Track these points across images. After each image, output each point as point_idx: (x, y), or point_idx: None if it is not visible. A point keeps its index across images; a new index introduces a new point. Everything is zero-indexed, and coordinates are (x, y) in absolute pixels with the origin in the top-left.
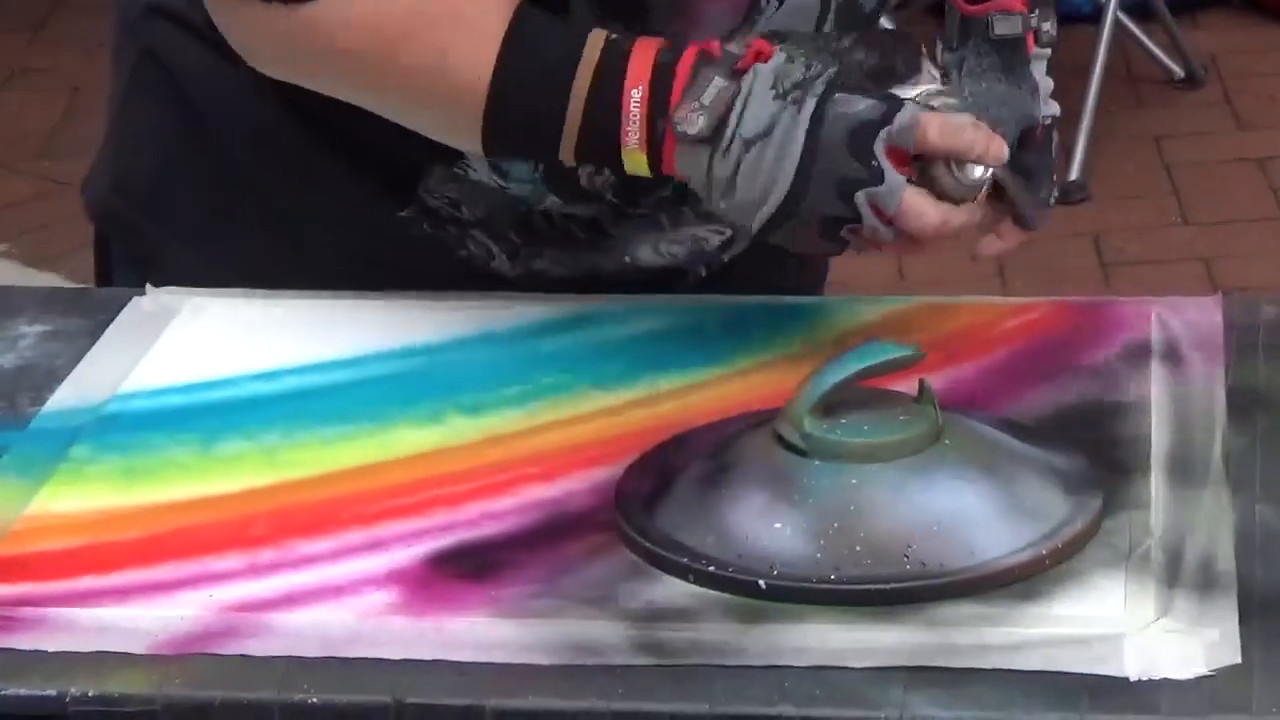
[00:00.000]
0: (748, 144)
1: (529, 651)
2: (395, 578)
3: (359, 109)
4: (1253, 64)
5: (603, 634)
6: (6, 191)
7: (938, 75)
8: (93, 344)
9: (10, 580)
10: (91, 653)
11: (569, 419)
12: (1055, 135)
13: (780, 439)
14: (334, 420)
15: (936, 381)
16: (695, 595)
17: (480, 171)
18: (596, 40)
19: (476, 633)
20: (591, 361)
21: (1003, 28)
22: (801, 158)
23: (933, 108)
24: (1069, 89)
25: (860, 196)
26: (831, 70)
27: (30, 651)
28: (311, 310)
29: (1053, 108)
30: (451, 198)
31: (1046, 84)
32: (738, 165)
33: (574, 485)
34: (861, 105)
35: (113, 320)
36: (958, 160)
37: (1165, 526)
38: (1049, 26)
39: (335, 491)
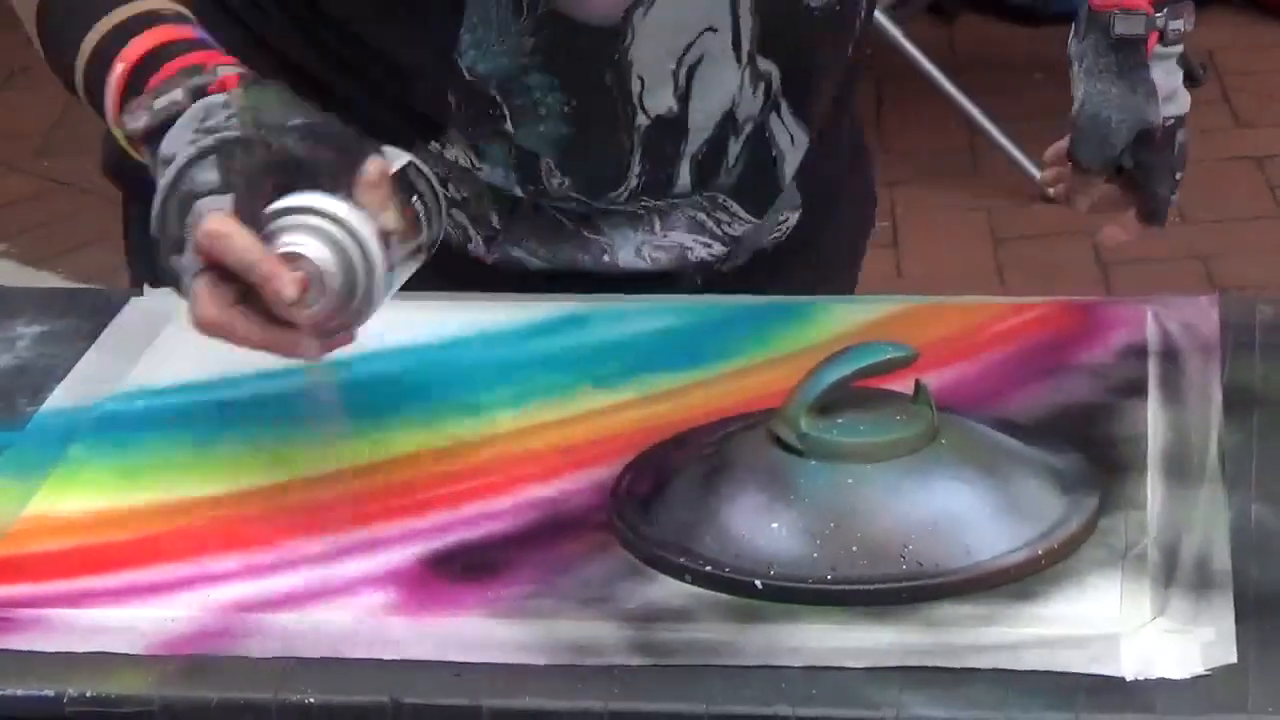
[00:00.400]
0: (163, 163)
1: (526, 651)
2: (392, 578)
3: (350, 82)
4: (1251, 62)
5: (600, 634)
6: (5, 190)
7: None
8: (90, 344)
9: (8, 581)
10: (89, 653)
11: (566, 419)
12: (1183, 133)
13: (777, 439)
14: (331, 421)
15: (933, 381)
16: (692, 595)
17: (457, 154)
18: (136, 7)
19: (474, 633)
20: (588, 361)
21: (1123, 27)
22: (160, 197)
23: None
24: (1069, 88)
25: (171, 260)
26: (235, 132)
27: (27, 652)
28: None
29: (1179, 105)
30: (440, 174)
31: (1172, 82)
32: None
33: (571, 485)
34: (206, 177)
35: (110, 321)
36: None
37: (1161, 526)
38: (1179, 24)
39: (332, 492)
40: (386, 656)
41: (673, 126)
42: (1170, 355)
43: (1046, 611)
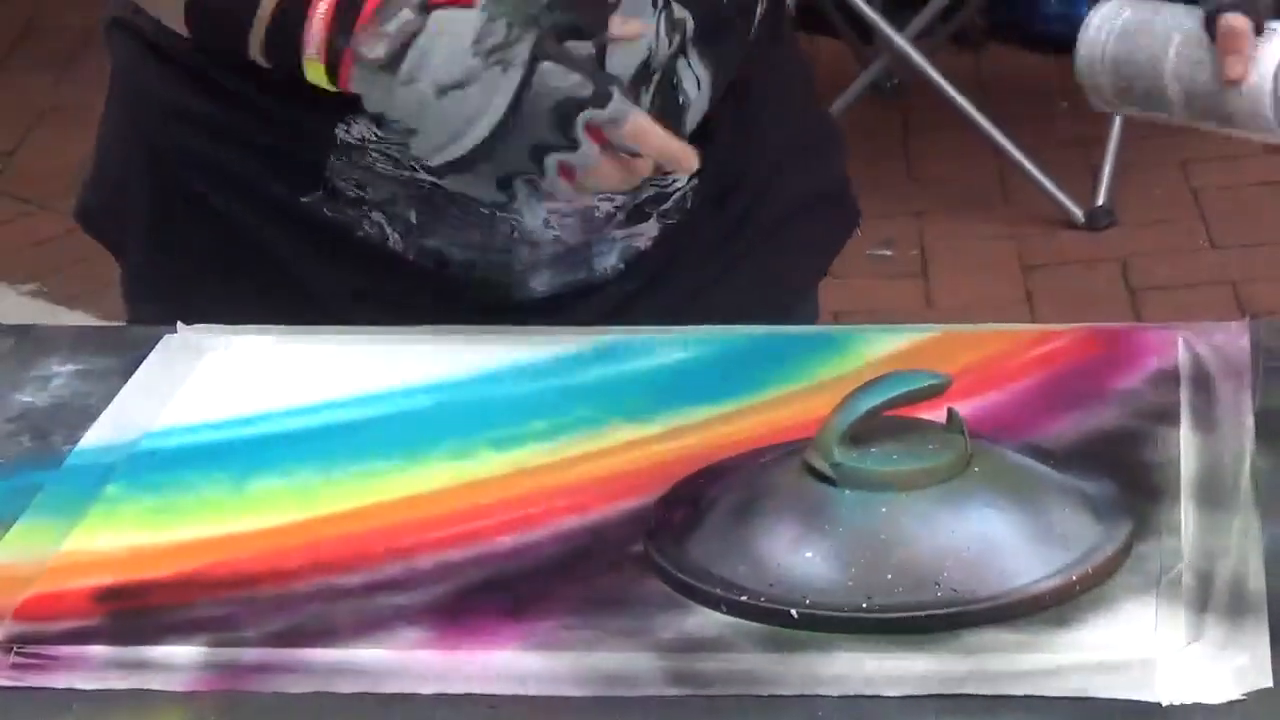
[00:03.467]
0: (441, 89)
1: (562, 683)
2: (428, 611)
3: (271, 94)
4: None
5: (636, 665)
6: (37, 229)
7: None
8: (125, 382)
9: (46, 618)
10: (127, 690)
11: (599, 451)
12: None
13: (810, 469)
14: (366, 456)
15: (965, 409)
16: (728, 625)
17: (363, 129)
18: None
19: (510, 665)
20: (621, 394)
21: None
22: (503, 117)
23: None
24: (1095, 116)
25: (551, 160)
26: (531, 35)
27: (66, 690)
28: (343, 346)
29: None
30: (358, 179)
31: None
32: (423, 105)
33: (605, 517)
34: (568, 82)
35: (144, 358)
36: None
37: (1195, 551)
38: None
39: (368, 526)
40: (423, 691)
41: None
42: (1201, 381)
43: (1082, 637)
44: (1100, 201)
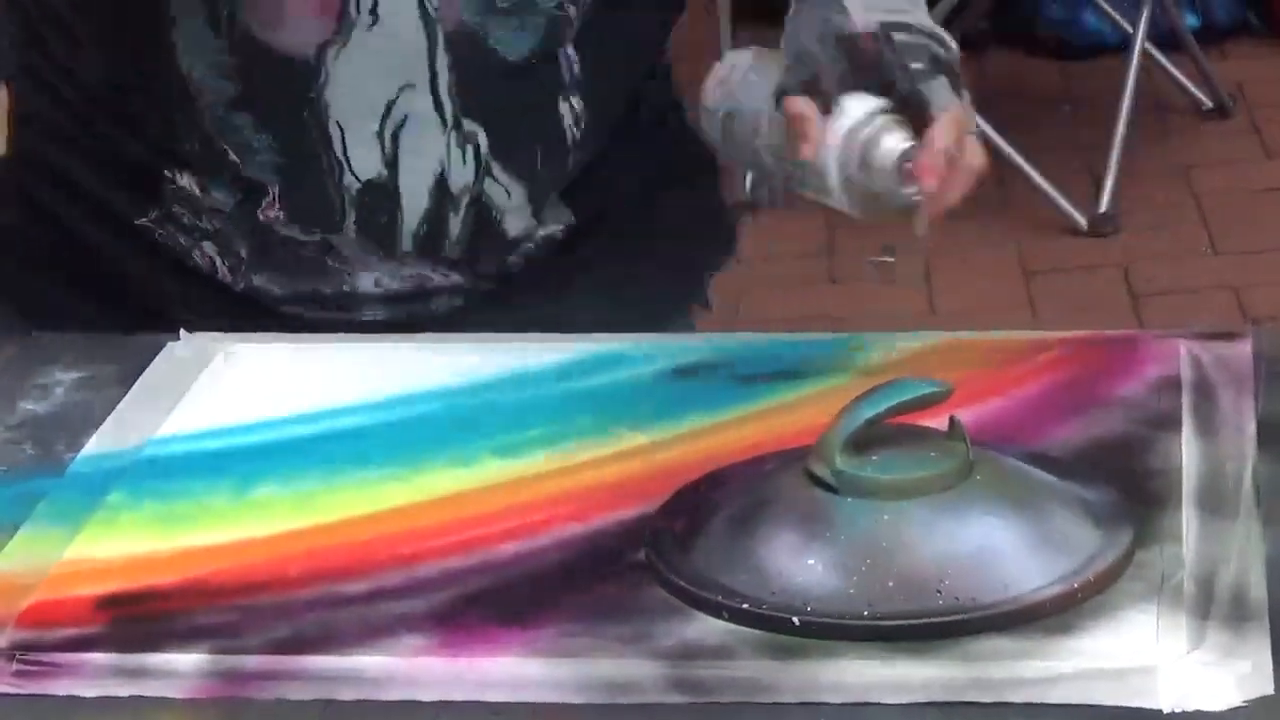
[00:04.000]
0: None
1: (564, 691)
2: (430, 619)
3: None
4: None
5: (638, 672)
6: None
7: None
8: (127, 390)
9: (47, 626)
10: (129, 697)
11: (601, 459)
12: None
13: (812, 476)
14: (368, 463)
15: (967, 417)
16: (729, 633)
17: (189, 182)
18: None
19: (511, 672)
20: (622, 401)
21: None
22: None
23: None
24: (1098, 121)
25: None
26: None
27: (68, 697)
28: (344, 354)
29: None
30: (194, 207)
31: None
32: None
33: (607, 525)
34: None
35: (147, 366)
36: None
37: (1197, 559)
38: None
39: (370, 534)
40: (425, 698)
41: (384, 192)
42: (1203, 388)
43: (1083, 645)
44: (1103, 207)
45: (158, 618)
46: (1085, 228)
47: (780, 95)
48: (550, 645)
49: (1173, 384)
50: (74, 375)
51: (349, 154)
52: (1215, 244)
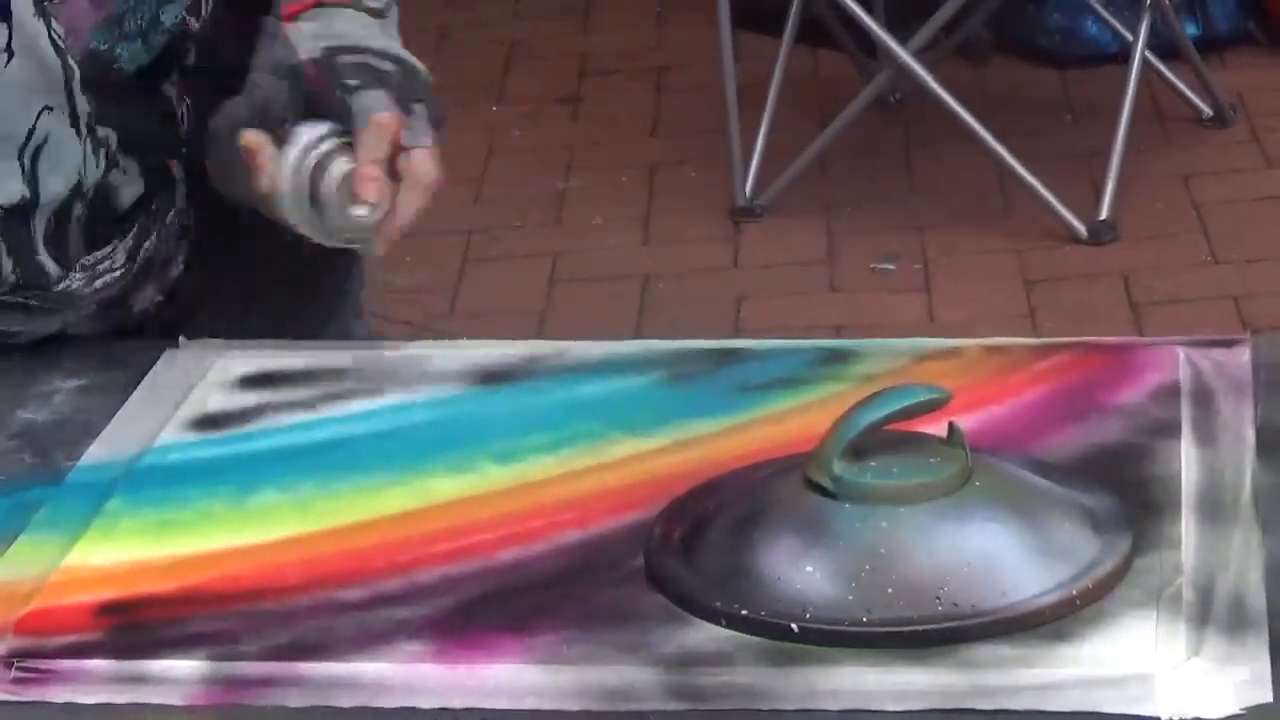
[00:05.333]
0: None
1: (563, 698)
2: (429, 625)
3: None
4: None
5: (636, 679)
6: None
7: None
8: (126, 397)
9: (46, 633)
10: (128, 704)
11: (600, 465)
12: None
13: (811, 483)
14: (366, 469)
15: (966, 423)
16: (728, 639)
17: None
18: None
19: (510, 679)
20: (621, 407)
21: None
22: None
23: None
24: (1098, 130)
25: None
26: None
27: (67, 704)
28: (343, 361)
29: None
30: None
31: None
32: None
33: (606, 531)
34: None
35: (145, 374)
36: None
37: (1195, 566)
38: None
39: (369, 540)
40: (423, 705)
41: (23, 212)
42: (1202, 396)
43: (1082, 652)
44: (1103, 216)
45: (156, 625)
46: (1085, 236)
47: (233, 129)
48: (549, 652)
49: (1172, 391)
50: (73, 384)
51: None
52: (1215, 253)
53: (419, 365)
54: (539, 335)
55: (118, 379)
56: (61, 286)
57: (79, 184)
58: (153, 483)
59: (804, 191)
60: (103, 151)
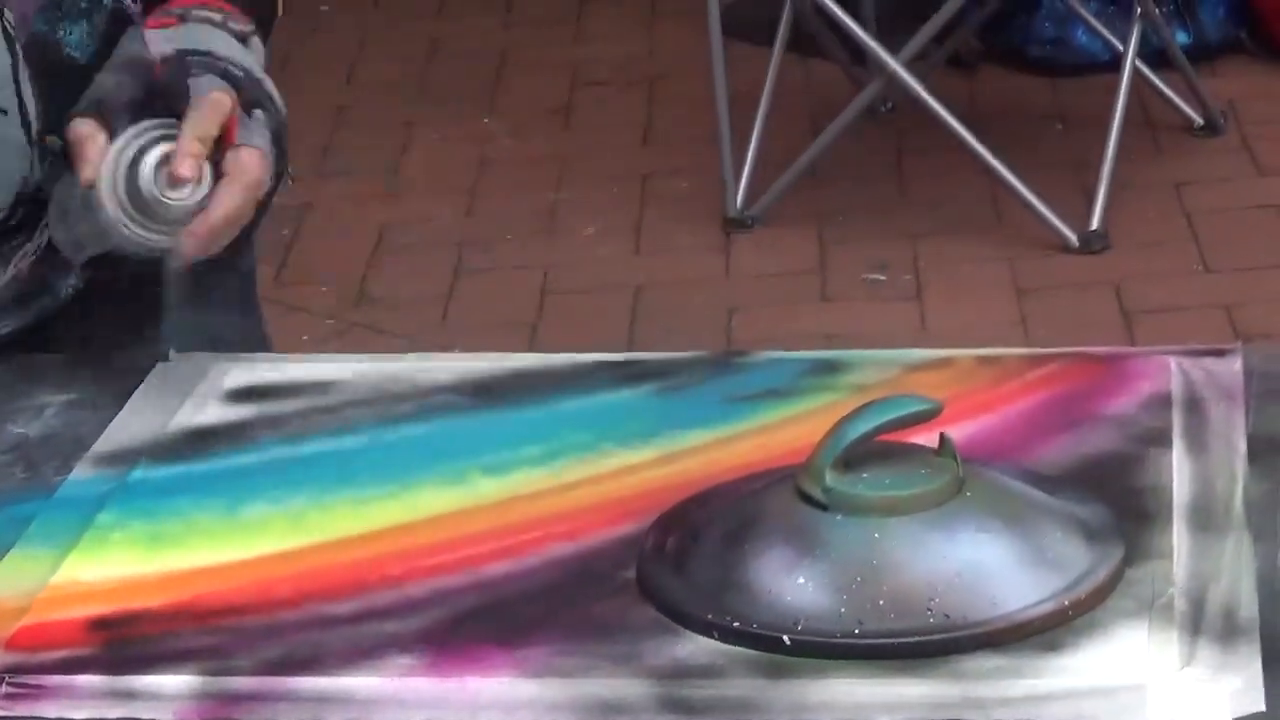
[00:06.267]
0: None
1: (555, 710)
2: (420, 638)
3: None
4: (1271, 110)
5: (628, 692)
6: None
7: None
8: (117, 411)
9: (37, 649)
10: (119, 719)
11: (591, 477)
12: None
13: (802, 494)
14: (358, 482)
15: (958, 434)
16: (720, 652)
17: None
18: None
19: (502, 693)
20: (612, 419)
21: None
22: None
23: None
24: (1089, 139)
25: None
26: None
27: (57, 719)
28: (334, 373)
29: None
30: None
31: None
32: None
33: (598, 543)
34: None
35: (136, 387)
36: None
37: (1187, 576)
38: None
39: (360, 553)
40: (415, 719)
41: None
42: (1194, 405)
43: (1074, 663)
44: (1094, 225)
45: (147, 639)
46: (1077, 245)
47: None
48: (541, 665)
49: (1163, 401)
50: (63, 397)
51: None
52: (1207, 261)
53: (410, 378)
54: (531, 347)
55: (109, 392)
56: None
57: (21, 192)
58: (144, 496)
59: (795, 201)
60: (49, 158)
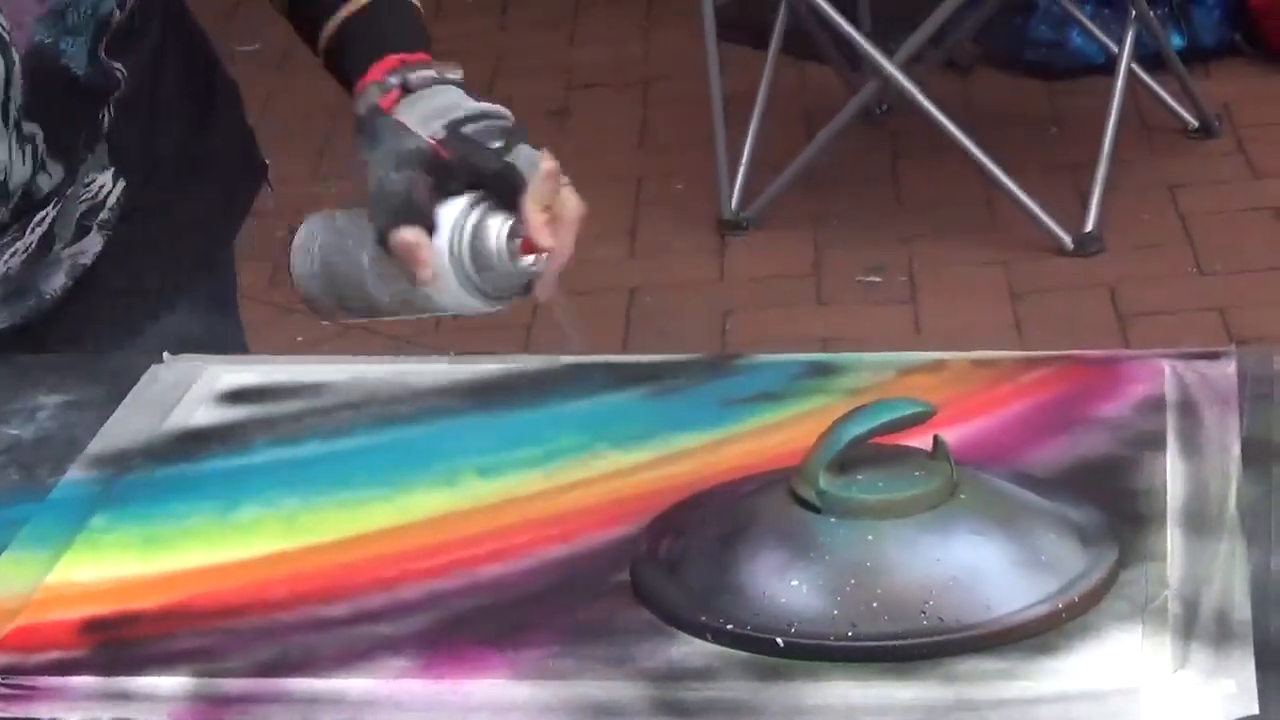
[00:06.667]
0: None
1: (549, 713)
2: (414, 640)
3: None
4: (1266, 113)
5: (622, 694)
6: None
7: None
8: (111, 413)
9: (31, 649)
10: None
11: (585, 480)
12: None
13: (796, 496)
14: (352, 484)
15: (952, 436)
16: (714, 654)
17: None
18: None
19: (495, 694)
20: (607, 422)
21: (360, 108)
22: None
23: None
24: (1084, 141)
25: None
26: None
27: None
28: (327, 375)
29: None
30: None
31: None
32: None
33: (591, 546)
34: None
35: (130, 389)
36: None
37: (1181, 578)
38: (427, 73)
39: (353, 556)
40: None
41: None
42: (1188, 408)
43: (1067, 665)
44: (1089, 228)
45: (141, 641)
46: (1071, 248)
47: (382, 229)
48: (534, 667)
49: (1157, 404)
50: (58, 399)
51: None
52: (1201, 264)
53: (404, 380)
54: (525, 349)
55: (103, 394)
56: None
57: (4, 184)
58: (137, 498)
59: (790, 204)
60: (29, 148)
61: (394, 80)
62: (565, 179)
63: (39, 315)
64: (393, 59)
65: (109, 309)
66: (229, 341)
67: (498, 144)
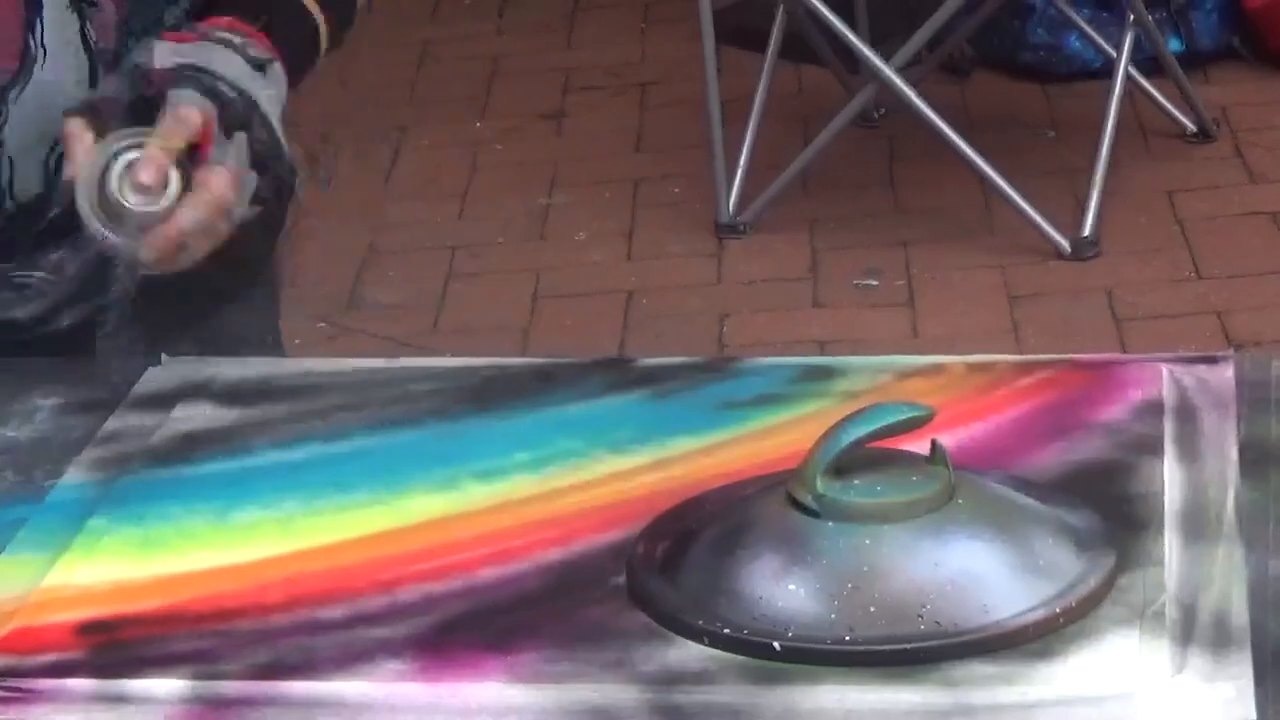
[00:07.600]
0: None
1: (545, 716)
2: (411, 644)
3: None
4: (1264, 117)
5: (618, 698)
6: None
7: None
8: (108, 415)
9: (27, 651)
10: None
11: (582, 483)
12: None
13: (793, 500)
14: (349, 487)
15: (949, 441)
16: (710, 658)
17: None
18: None
19: (492, 698)
20: (604, 425)
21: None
22: None
23: None
24: (1081, 146)
25: None
26: None
27: None
28: (326, 378)
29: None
30: None
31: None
32: None
33: (589, 549)
34: None
35: (128, 391)
36: None
37: (1179, 583)
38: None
39: (351, 559)
40: None
41: (34, 211)
42: (1186, 412)
43: (1065, 670)
44: (1086, 232)
45: (138, 643)
46: (1069, 252)
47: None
48: (531, 671)
49: (1155, 409)
50: (54, 401)
51: (14, 184)
52: (1199, 268)
53: (402, 382)
54: (522, 351)
55: (100, 396)
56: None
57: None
58: (134, 501)
59: (787, 207)
60: None
61: (200, 28)
62: (231, 165)
63: (102, 312)
64: (227, 20)
65: (166, 310)
66: (273, 341)
67: (181, 89)
